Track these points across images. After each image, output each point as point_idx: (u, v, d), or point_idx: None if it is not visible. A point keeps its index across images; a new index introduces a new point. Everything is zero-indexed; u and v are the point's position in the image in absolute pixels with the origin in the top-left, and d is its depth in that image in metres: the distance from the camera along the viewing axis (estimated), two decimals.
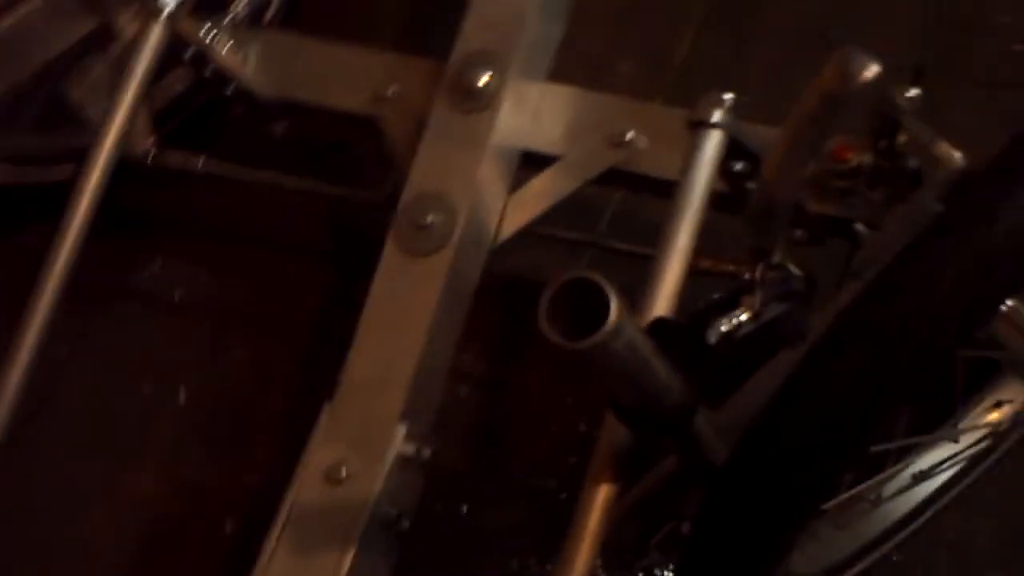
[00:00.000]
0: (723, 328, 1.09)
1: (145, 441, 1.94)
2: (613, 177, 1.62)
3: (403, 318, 1.57)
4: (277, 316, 1.97)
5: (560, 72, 1.94)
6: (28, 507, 1.91)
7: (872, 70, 0.99)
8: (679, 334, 1.08)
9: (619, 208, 1.85)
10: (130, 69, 1.60)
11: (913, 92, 1.40)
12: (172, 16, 1.62)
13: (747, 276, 1.12)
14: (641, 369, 1.04)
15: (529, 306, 1.89)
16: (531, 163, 1.65)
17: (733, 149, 1.41)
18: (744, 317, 1.10)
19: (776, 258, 1.13)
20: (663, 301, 1.40)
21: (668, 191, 1.50)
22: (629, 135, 1.58)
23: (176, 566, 1.88)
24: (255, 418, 1.93)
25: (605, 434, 1.29)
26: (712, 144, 1.38)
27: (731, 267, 1.52)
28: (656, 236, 1.44)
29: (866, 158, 1.46)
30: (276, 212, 1.96)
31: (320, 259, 1.98)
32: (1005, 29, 1.95)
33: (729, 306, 1.10)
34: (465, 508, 1.80)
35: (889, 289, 1.03)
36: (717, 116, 1.37)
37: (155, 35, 1.61)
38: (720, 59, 1.98)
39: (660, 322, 1.13)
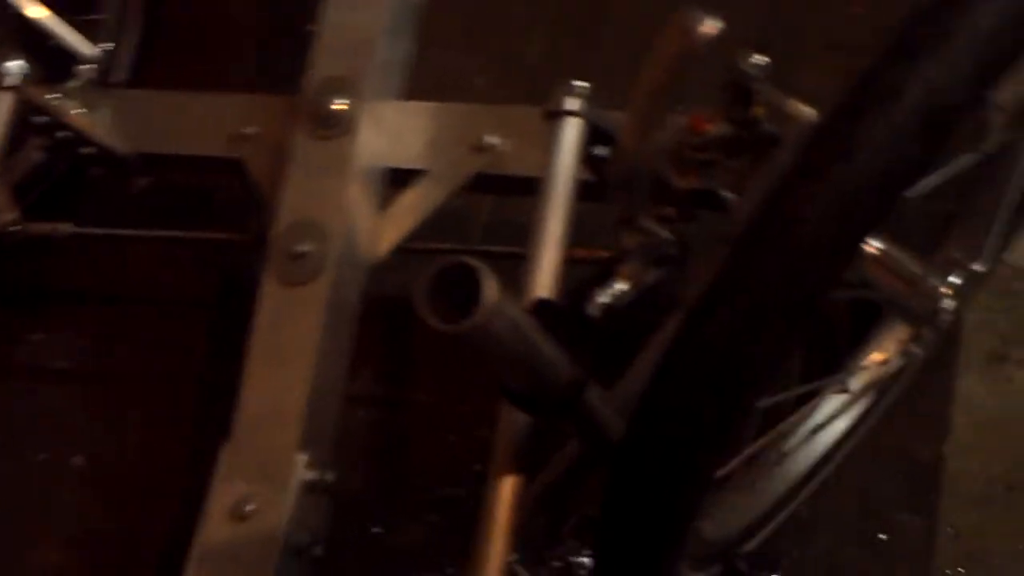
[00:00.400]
0: (603, 300, 1.11)
1: (48, 512, 1.92)
2: (481, 183, 1.64)
3: (289, 348, 1.57)
4: (166, 371, 1.96)
5: (417, 89, 1.97)
6: None
7: (713, 25, 1.02)
8: (561, 312, 1.10)
9: (493, 214, 1.87)
10: None
11: (760, 59, 1.44)
12: (17, 87, 1.62)
13: (619, 248, 1.14)
14: (525, 349, 1.05)
15: (416, 323, 1.93)
16: (399, 180, 1.66)
17: (593, 135, 1.44)
18: (622, 287, 1.13)
19: (644, 225, 1.15)
20: (543, 292, 1.42)
21: (536, 188, 1.52)
22: (490, 139, 1.61)
23: None
24: (156, 475, 1.92)
25: (503, 425, 1.31)
26: (570, 132, 1.41)
27: (605, 255, 1.55)
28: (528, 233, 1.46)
29: (723, 128, 1.50)
30: (152, 267, 1.96)
31: (202, 308, 1.98)
32: None
33: (606, 279, 1.12)
34: (377, 529, 1.80)
35: (751, 240, 1.06)
36: (572, 104, 1.40)
37: (4, 104, 1.60)
38: (573, 58, 2.02)
39: (541, 303, 1.15)
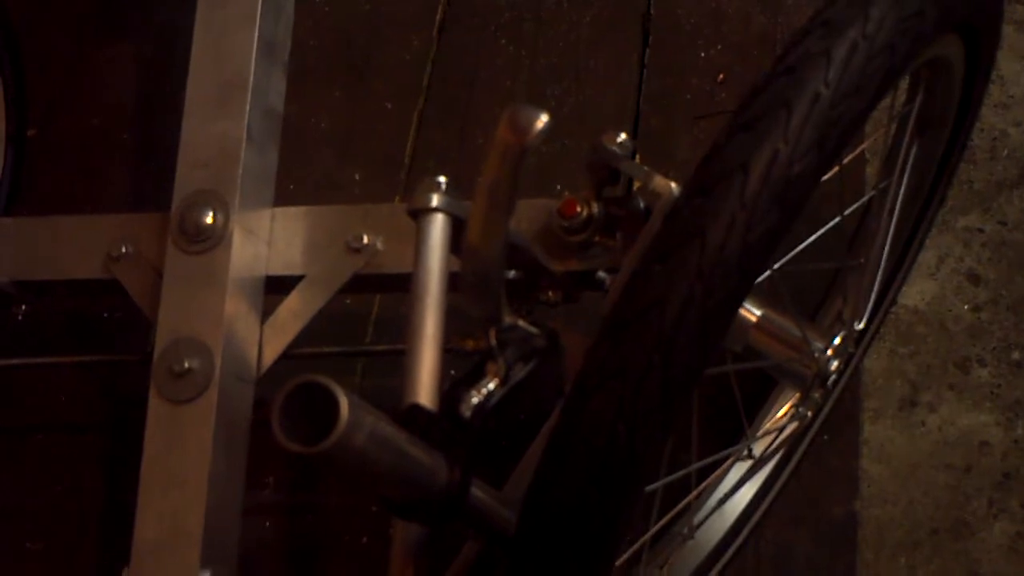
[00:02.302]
0: (475, 400, 1.09)
1: None
2: (360, 283, 1.62)
3: (182, 468, 1.55)
4: (66, 501, 1.92)
5: (303, 187, 1.96)
6: None
7: (542, 120, 1.02)
8: (432, 417, 1.08)
9: (383, 311, 1.86)
10: None
11: (622, 138, 1.44)
12: None
13: (484, 346, 1.13)
14: (393, 460, 1.04)
15: None
16: (278, 287, 1.64)
17: (459, 228, 1.43)
18: (492, 385, 1.11)
19: (507, 321, 1.14)
20: (423, 389, 1.39)
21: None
22: (365, 239, 1.60)
23: None
24: None
25: (397, 532, 1.28)
26: (436, 228, 1.40)
27: (470, 343, 1.54)
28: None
29: (594, 208, 1.50)
30: (40, 396, 1.92)
31: (94, 433, 1.94)
32: (707, 63, 2.03)
33: (476, 378, 1.10)
34: None
35: (620, 325, 1.05)
36: (435, 200, 1.39)
37: None
38: (445, 148, 2.02)
39: (411, 409, 1.13)
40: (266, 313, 1.64)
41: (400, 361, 1.67)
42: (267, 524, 1.83)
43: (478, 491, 1.16)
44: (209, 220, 1.59)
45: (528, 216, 1.55)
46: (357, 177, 2.03)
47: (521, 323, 1.16)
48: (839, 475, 1.74)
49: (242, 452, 1.61)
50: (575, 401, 1.06)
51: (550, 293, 1.54)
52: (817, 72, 1.07)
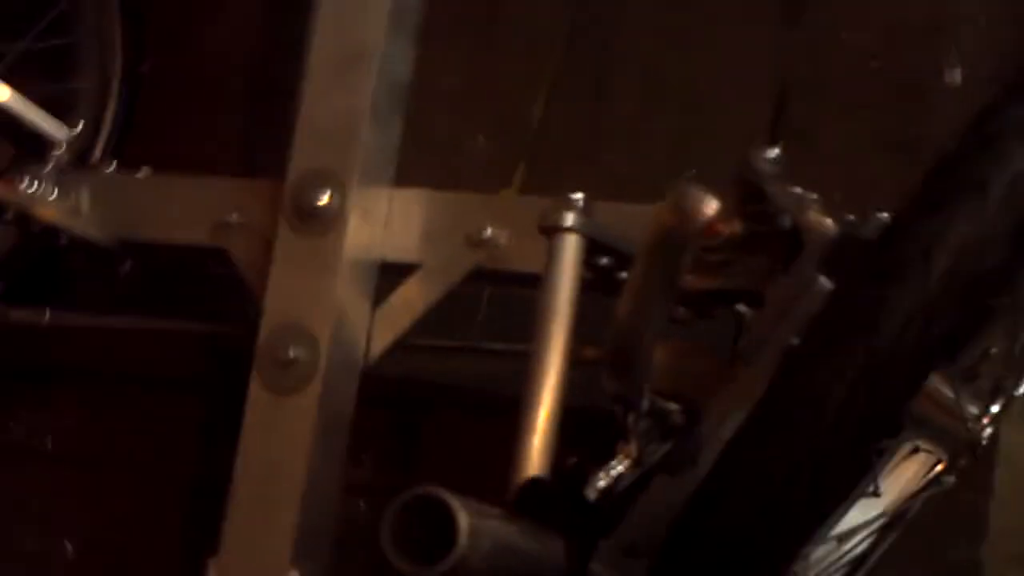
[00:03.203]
0: (601, 483, 1.00)
1: None
2: (479, 276, 1.53)
3: (279, 461, 1.49)
4: (156, 456, 1.87)
5: (414, 156, 1.86)
6: None
7: (712, 206, 0.91)
8: (552, 496, 1.00)
9: (493, 303, 1.76)
10: None
11: (773, 153, 1.33)
12: None
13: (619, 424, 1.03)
14: (512, 563, 0.95)
15: (419, 411, 1.83)
16: (393, 272, 1.56)
17: (593, 247, 1.33)
18: (622, 467, 1.02)
19: (646, 404, 1.04)
20: (547, 401, 1.32)
21: (537, 283, 1.43)
22: (487, 232, 1.51)
23: None
24: (147, 565, 1.83)
25: None
26: (569, 248, 1.30)
27: (589, 351, 1.45)
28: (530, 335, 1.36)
29: (737, 227, 1.40)
30: (141, 349, 1.85)
31: (194, 391, 1.88)
32: (859, 48, 1.88)
33: (605, 456, 1.01)
34: None
35: (768, 421, 0.95)
36: (569, 220, 1.29)
37: None
38: (575, 120, 1.91)
39: (530, 486, 1.04)
40: (380, 299, 1.56)
41: (514, 360, 1.61)
42: (361, 504, 1.76)
43: (596, 564, 1.07)
44: (324, 200, 1.51)
45: None
46: (480, 141, 1.92)
47: (662, 403, 1.06)
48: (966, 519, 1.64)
49: (342, 445, 1.54)
50: (711, 499, 0.96)
51: (681, 310, 1.44)
52: (1021, 147, 0.95)
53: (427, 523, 0.87)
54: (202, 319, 1.75)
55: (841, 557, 1.49)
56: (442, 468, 1.78)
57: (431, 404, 1.80)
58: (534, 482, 1.05)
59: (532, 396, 1.27)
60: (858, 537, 1.45)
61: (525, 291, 1.55)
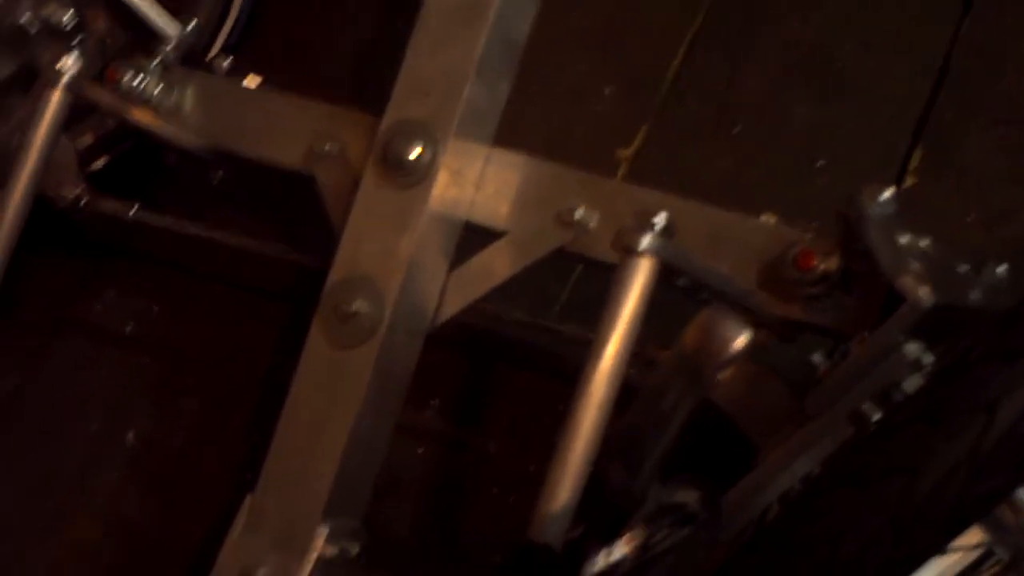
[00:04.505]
0: (600, 563, 0.93)
1: (90, 484, 1.83)
2: (562, 256, 1.46)
3: (328, 412, 1.44)
4: (230, 357, 1.84)
5: (544, 94, 1.77)
6: None
7: (743, 338, 0.82)
8: (549, 565, 0.93)
9: (579, 281, 1.68)
10: (33, 133, 1.49)
11: (885, 195, 1.23)
12: (72, 82, 1.48)
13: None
14: None
15: (494, 360, 1.77)
16: (475, 235, 1.49)
17: (667, 272, 1.25)
18: (625, 551, 0.95)
19: (651, 505, 0.96)
20: (586, 430, 1.25)
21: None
22: (579, 213, 1.42)
23: None
24: (203, 466, 1.81)
25: None
26: (641, 272, 1.22)
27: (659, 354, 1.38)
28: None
29: (834, 262, 1.31)
30: (228, 253, 1.81)
31: (276, 299, 1.84)
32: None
33: (611, 534, 0.94)
34: None
35: (782, 547, 0.87)
36: (645, 243, 1.21)
37: (55, 102, 1.47)
38: (710, 82, 1.80)
39: (530, 550, 0.98)
40: (459, 258, 1.49)
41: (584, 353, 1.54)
42: (419, 450, 1.72)
43: None
44: (415, 154, 1.44)
45: (759, 242, 1.35)
46: (607, 92, 1.82)
47: (675, 492, 0.98)
48: None
49: (396, 408, 1.49)
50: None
51: (762, 332, 1.36)
52: None
53: None
54: (288, 239, 1.70)
55: None
56: (508, 426, 1.73)
57: (505, 360, 1.74)
58: (532, 548, 0.98)
59: (574, 420, 1.20)
60: None
61: None
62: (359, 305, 1.42)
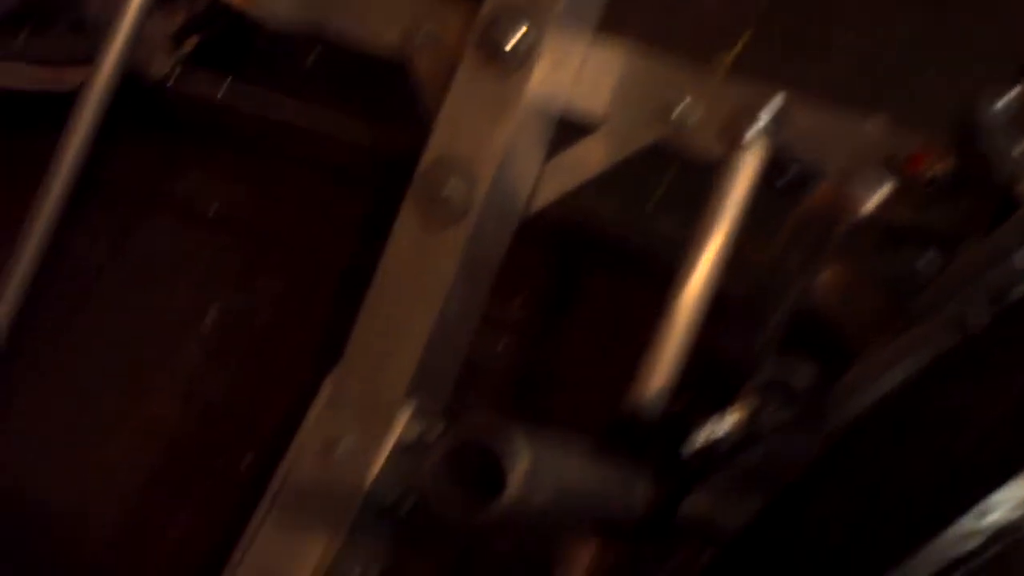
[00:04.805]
0: (699, 442, 0.92)
1: (170, 362, 1.83)
2: (660, 151, 1.44)
3: (415, 292, 1.44)
4: (316, 241, 1.83)
5: None
6: (44, 426, 1.84)
7: (872, 200, 0.80)
8: (644, 438, 0.91)
9: (676, 180, 1.66)
10: (125, 8, 1.51)
11: (1007, 98, 1.20)
12: None
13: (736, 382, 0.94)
14: (582, 503, 0.88)
15: (582, 257, 1.75)
16: (571, 126, 1.47)
17: (776, 165, 1.23)
18: (729, 427, 0.93)
19: (768, 370, 0.94)
20: (685, 314, 1.24)
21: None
22: (680, 107, 1.40)
23: (191, 498, 1.79)
24: (285, 350, 1.81)
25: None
26: (749, 162, 1.20)
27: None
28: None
29: (945, 166, 1.28)
30: (318, 133, 1.80)
31: (363, 184, 1.82)
32: None
33: (714, 409, 0.92)
34: None
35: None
36: (753, 131, 1.18)
37: None
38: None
39: (622, 423, 0.96)
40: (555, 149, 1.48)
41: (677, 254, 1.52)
42: (501, 343, 1.70)
43: (690, 500, 0.99)
44: (516, 39, 1.42)
45: (868, 144, 1.32)
46: None
47: (789, 362, 0.96)
48: None
49: (484, 292, 1.48)
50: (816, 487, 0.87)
51: (867, 239, 1.33)
52: None
53: (482, 465, 0.80)
54: (379, 124, 1.69)
55: None
56: (592, 325, 1.71)
57: (593, 258, 1.72)
58: (626, 422, 0.97)
59: (673, 303, 1.18)
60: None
61: None
62: (452, 187, 1.41)
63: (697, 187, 1.63)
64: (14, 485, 1.82)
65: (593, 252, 1.72)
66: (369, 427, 1.42)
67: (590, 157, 1.44)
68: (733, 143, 1.22)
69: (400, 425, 1.42)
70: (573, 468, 0.86)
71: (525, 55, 1.41)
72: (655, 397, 1.10)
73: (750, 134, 1.20)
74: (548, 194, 1.47)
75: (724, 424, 0.94)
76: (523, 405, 1.72)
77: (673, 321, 1.22)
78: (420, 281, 1.43)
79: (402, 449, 1.43)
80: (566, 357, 1.71)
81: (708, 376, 1.04)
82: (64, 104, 1.70)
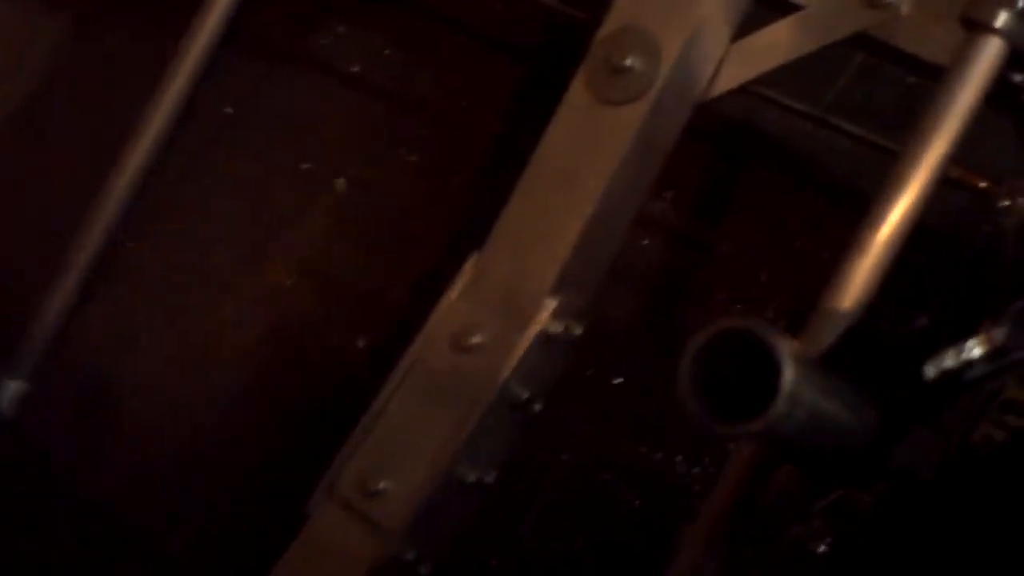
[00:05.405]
0: (948, 364, 0.80)
1: (292, 227, 1.74)
2: (861, 42, 1.31)
3: (578, 173, 1.32)
4: (463, 111, 1.72)
5: None
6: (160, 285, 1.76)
7: None
8: (884, 358, 0.80)
9: (856, 73, 1.52)
10: None
11: None
12: None
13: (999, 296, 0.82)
14: (826, 428, 0.76)
15: (742, 159, 1.63)
16: (768, 4, 1.34)
17: (1014, 59, 1.09)
18: (977, 352, 0.81)
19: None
20: (903, 211, 1.12)
21: (923, 70, 1.23)
22: None
23: (305, 370, 1.71)
24: (416, 224, 1.71)
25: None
26: (988, 52, 1.07)
27: (982, 183, 1.24)
28: (903, 132, 1.15)
29: None
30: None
31: (521, 57, 1.71)
32: None
33: (962, 335, 0.80)
34: (619, 380, 1.56)
35: None
36: (1001, 20, 1.05)
37: None
38: None
39: (858, 335, 0.84)
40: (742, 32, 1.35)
41: (856, 148, 1.39)
42: (645, 240, 1.59)
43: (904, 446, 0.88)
44: None
45: None
46: None
47: None
48: None
49: (650, 176, 1.37)
50: None
51: None
52: None
53: (736, 360, 0.69)
54: None
55: None
56: (746, 228, 1.59)
57: (755, 158, 1.60)
58: (858, 333, 0.85)
59: (883, 204, 1.06)
60: None
61: (907, 76, 1.33)
62: (634, 59, 1.29)
63: (875, 94, 1.51)
64: (127, 339, 1.74)
65: (756, 152, 1.60)
66: (507, 321, 1.30)
67: (782, 42, 1.32)
68: (978, 24, 1.08)
69: (543, 320, 1.31)
70: (821, 393, 0.74)
71: None
72: (864, 291, 0.99)
73: (1001, 18, 1.06)
74: (729, 80, 1.34)
75: (975, 348, 0.82)
76: (659, 309, 1.61)
77: (877, 236, 1.10)
78: (587, 158, 1.31)
79: (543, 345, 1.32)
80: (715, 264, 1.60)
81: (955, 294, 0.92)
82: None
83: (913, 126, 1.15)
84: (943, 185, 1.18)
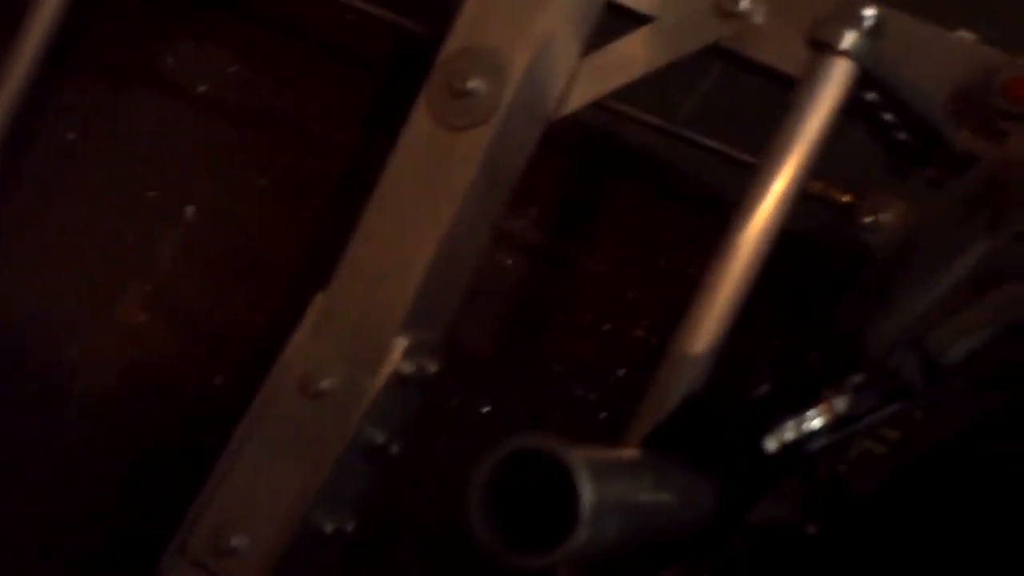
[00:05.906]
0: (788, 435, 0.74)
1: (141, 260, 1.65)
2: (718, 53, 1.25)
3: (423, 203, 1.25)
4: (314, 130, 1.64)
5: None
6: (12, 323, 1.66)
7: None
8: (724, 428, 0.73)
9: (720, 86, 1.47)
10: None
11: None
12: None
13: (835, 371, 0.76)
14: (651, 520, 0.69)
15: (602, 171, 1.57)
16: (618, 17, 1.28)
17: (864, 80, 1.04)
18: (818, 423, 0.75)
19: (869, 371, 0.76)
20: (759, 230, 1.07)
21: (779, 80, 1.17)
22: (744, 3, 1.21)
23: (157, 415, 1.62)
24: (269, 253, 1.63)
25: None
26: (836, 74, 1.01)
27: (843, 197, 1.20)
28: (761, 147, 1.09)
29: None
30: (323, 4, 1.60)
31: (373, 68, 1.63)
32: None
33: (802, 402, 0.74)
34: (487, 408, 1.50)
35: None
36: (847, 41, 0.99)
37: None
38: None
39: (696, 406, 0.78)
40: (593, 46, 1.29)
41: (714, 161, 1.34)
42: (508, 261, 1.53)
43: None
44: None
45: (959, 63, 1.14)
46: None
47: (902, 356, 0.77)
48: None
49: (499, 206, 1.30)
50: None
51: (934, 171, 1.16)
52: None
53: (533, 483, 0.62)
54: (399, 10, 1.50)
55: None
56: (612, 245, 1.53)
57: (619, 171, 1.54)
58: (697, 403, 0.79)
59: (742, 217, 1.01)
60: None
61: (762, 85, 1.28)
62: (477, 81, 1.22)
63: (736, 102, 1.46)
64: None
65: (617, 165, 1.54)
66: (356, 363, 1.24)
67: (635, 55, 1.26)
68: (824, 46, 1.02)
69: (393, 363, 1.24)
70: (639, 489, 0.67)
71: None
72: (690, 379, 0.92)
73: (847, 40, 1.01)
74: (583, 95, 1.28)
75: (814, 417, 0.76)
76: (524, 333, 1.55)
77: (732, 261, 1.04)
78: (432, 187, 1.24)
79: (395, 386, 1.25)
80: (582, 282, 1.54)
81: (796, 362, 0.86)
82: None
83: (768, 140, 1.10)
84: (805, 199, 1.13)
